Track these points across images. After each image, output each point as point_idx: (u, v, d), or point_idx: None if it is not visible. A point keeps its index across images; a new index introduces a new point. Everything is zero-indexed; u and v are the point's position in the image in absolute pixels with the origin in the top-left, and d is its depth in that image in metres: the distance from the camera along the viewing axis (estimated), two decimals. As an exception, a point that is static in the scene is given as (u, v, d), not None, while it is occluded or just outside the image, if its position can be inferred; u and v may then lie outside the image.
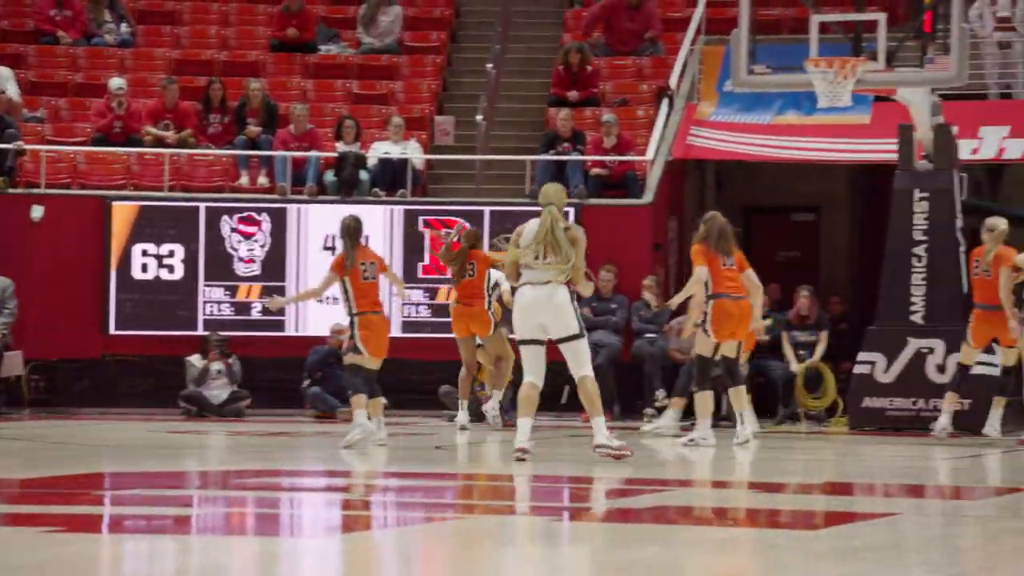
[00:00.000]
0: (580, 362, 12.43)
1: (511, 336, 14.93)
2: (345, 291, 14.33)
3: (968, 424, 16.66)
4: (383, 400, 14.61)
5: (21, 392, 19.36)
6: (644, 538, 8.50)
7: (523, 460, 12.38)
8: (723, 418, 18.16)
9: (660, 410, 17.36)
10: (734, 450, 14.43)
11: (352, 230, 14.35)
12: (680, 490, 11.22)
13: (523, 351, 12.57)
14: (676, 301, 15.51)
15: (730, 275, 14.63)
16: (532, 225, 12.53)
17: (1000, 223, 15.42)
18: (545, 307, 12.30)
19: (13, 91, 21.29)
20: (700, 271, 14.51)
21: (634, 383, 19.10)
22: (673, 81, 21.21)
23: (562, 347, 12.47)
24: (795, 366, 18.79)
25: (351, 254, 14.24)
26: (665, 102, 20.99)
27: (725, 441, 14.98)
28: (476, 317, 16.50)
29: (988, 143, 19.95)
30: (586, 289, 12.61)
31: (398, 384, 19.27)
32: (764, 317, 19.22)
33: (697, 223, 15.42)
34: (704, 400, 14.75)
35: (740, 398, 14.80)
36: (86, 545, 8.06)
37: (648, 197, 20.20)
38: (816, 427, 18.34)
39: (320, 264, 19.74)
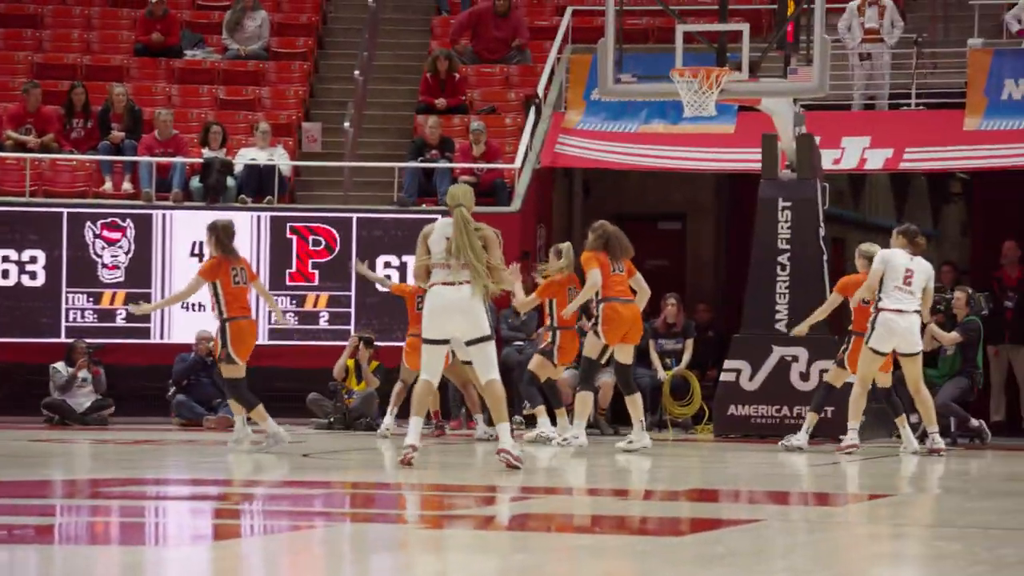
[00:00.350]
0: (488, 365, 12.45)
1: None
2: (216, 295, 14.33)
3: (831, 431, 16.88)
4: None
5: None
6: (510, 546, 8.53)
7: (411, 459, 12.42)
8: (591, 425, 18.29)
9: (528, 418, 17.42)
10: (619, 456, 14.58)
11: (231, 232, 14.43)
12: (547, 498, 11.27)
13: (427, 350, 12.50)
14: (571, 309, 15.61)
15: (620, 280, 14.84)
16: (439, 226, 12.50)
17: (876, 250, 15.60)
18: (459, 308, 12.32)
19: None
20: (595, 274, 14.67)
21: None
22: (541, 89, 21.32)
23: (471, 349, 12.49)
24: (662, 374, 18.96)
25: (234, 255, 14.32)
26: (533, 110, 21.09)
27: (595, 448, 15.08)
28: None
29: (850, 153, 20.25)
30: (516, 286, 12.71)
31: (265, 391, 19.16)
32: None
33: (579, 231, 15.59)
34: (584, 400, 14.87)
35: (636, 406, 14.98)
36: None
37: (516, 205, 20.28)
38: (682, 434, 18.51)
39: (186, 271, 19.62)
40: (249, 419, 14.79)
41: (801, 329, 16.11)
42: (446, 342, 12.51)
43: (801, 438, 15.64)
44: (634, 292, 15.20)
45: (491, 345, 12.44)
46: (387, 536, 8.94)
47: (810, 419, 15.77)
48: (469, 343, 12.45)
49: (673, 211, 23.37)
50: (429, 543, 8.67)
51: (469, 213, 12.47)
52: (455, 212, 12.46)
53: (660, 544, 8.68)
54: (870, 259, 15.51)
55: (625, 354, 14.91)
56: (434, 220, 12.93)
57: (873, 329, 15.12)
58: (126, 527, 9.33)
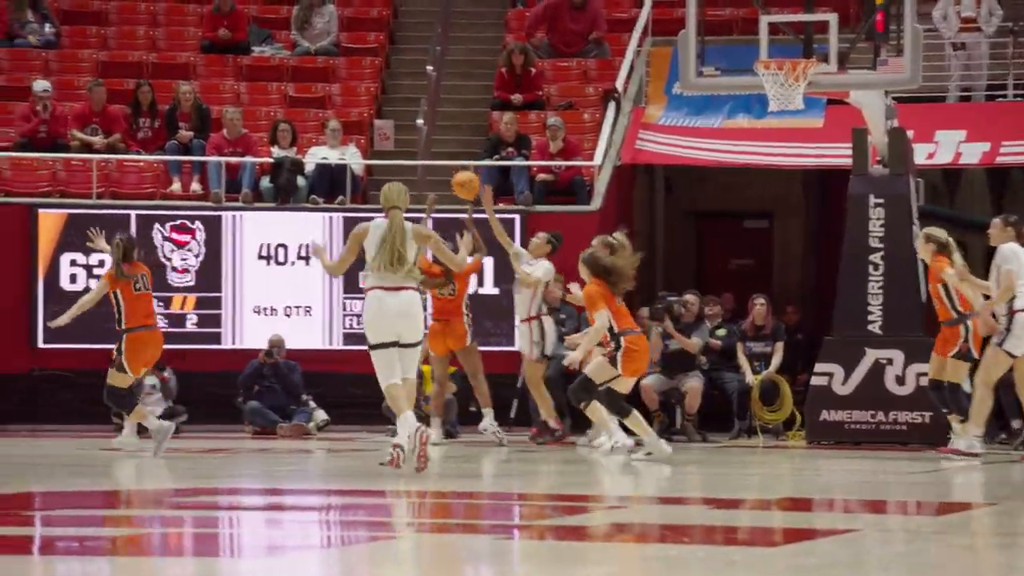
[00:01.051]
0: (413, 367, 13.07)
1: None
2: (117, 304, 15.27)
3: (929, 438, 16.76)
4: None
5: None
6: (595, 557, 8.52)
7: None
8: (675, 431, 18.26)
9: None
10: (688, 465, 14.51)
11: (128, 249, 15.48)
12: (632, 507, 11.25)
13: (378, 355, 12.92)
14: (578, 357, 14.85)
15: (626, 311, 14.64)
16: (374, 227, 12.92)
17: (943, 235, 15.52)
18: (402, 313, 12.83)
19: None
20: (604, 315, 14.33)
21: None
22: (620, 84, 21.29)
23: (403, 351, 12.96)
24: (750, 378, 18.88)
25: (133, 264, 15.31)
26: (612, 105, 21.06)
27: (683, 455, 15.04)
28: (453, 332, 16.68)
29: (944, 147, 20.11)
30: (476, 251, 13.85)
31: (340, 397, 19.25)
32: (717, 328, 19.32)
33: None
34: (635, 418, 14.68)
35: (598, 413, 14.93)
36: (15, 567, 8.02)
37: (596, 203, 20.26)
38: (773, 441, 18.43)
39: (257, 273, 19.75)
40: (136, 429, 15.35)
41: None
42: (394, 344, 12.92)
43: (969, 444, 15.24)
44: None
45: (420, 349, 13.08)
46: (468, 547, 8.95)
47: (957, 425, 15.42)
48: (405, 346, 12.92)
49: (759, 209, 23.28)
50: (510, 554, 8.67)
51: (402, 213, 12.92)
52: (391, 215, 12.88)
53: (751, 555, 8.64)
54: (939, 244, 15.40)
55: (627, 385, 14.72)
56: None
57: (1009, 331, 14.92)
58: (199, 538, 9.38)
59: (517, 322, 17.39)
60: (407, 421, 12.82)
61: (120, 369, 15.20)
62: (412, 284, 12.87)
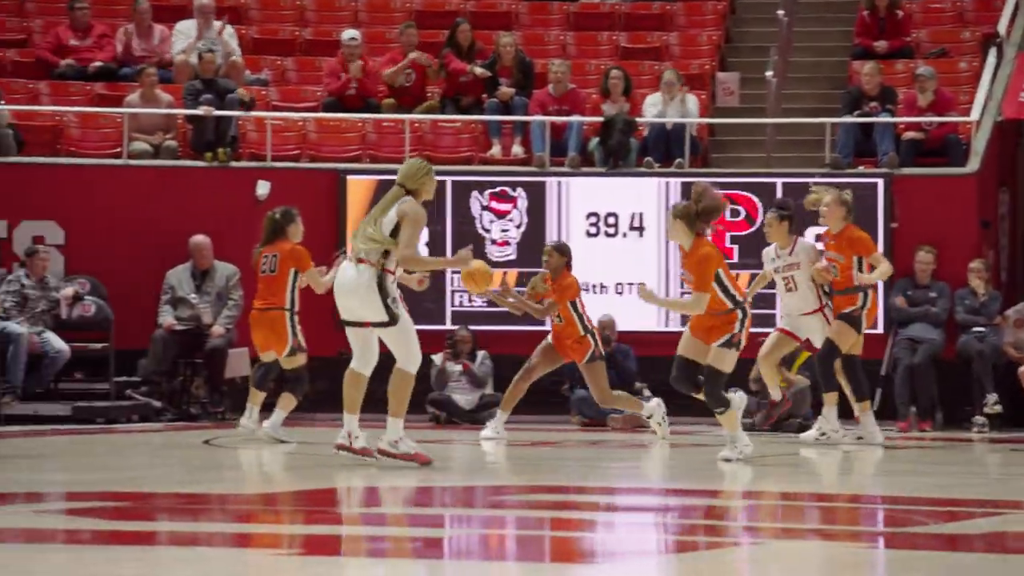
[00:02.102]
0: (398, 353, 13.08)
1: None
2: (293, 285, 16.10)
3: None
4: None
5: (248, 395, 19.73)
6: (985, 571, 8.32)
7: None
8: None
9: (991, 417, 17.04)
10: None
11: (277, 222, 16.22)
12: (1018, 512, 10.97)
13: (347, 332, 13.24)
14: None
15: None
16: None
17: None
18: (350, 287, 13.00)
19: (234, 50, 21.69)
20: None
21: (960, 386, 18.75)
22: (1002, 27, 20.82)
23: (382, 335, 13.12)
24: None
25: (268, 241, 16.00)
26: (993, 52, 20.61)
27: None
28: (575, 350, 16.68)
29: None
30: (409, 280, 13.55)
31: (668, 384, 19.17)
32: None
33: None
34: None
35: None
36: (326, 569, 8.16)
37: (973, 165, 19.85)
38: None
39: (585, 245, 19.78)
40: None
41: None
42: (355, 323, 13.12)
43: None
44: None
45: (396, 331, 12.96)
46: (827, 557, 8.81)
47: None
48: (376, 326, 13.03)
49: None
50: (876, 567, 8.52)
51: (406, 193, 13.33)
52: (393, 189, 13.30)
53: None
54: None
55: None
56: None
57: None
58: (525, 541, 9.44)
59: (797, 315, 16.66)
60: (352, 421, 13.33)
61: (300, 350, 16.18)
62: (369, 257, 12.93)
